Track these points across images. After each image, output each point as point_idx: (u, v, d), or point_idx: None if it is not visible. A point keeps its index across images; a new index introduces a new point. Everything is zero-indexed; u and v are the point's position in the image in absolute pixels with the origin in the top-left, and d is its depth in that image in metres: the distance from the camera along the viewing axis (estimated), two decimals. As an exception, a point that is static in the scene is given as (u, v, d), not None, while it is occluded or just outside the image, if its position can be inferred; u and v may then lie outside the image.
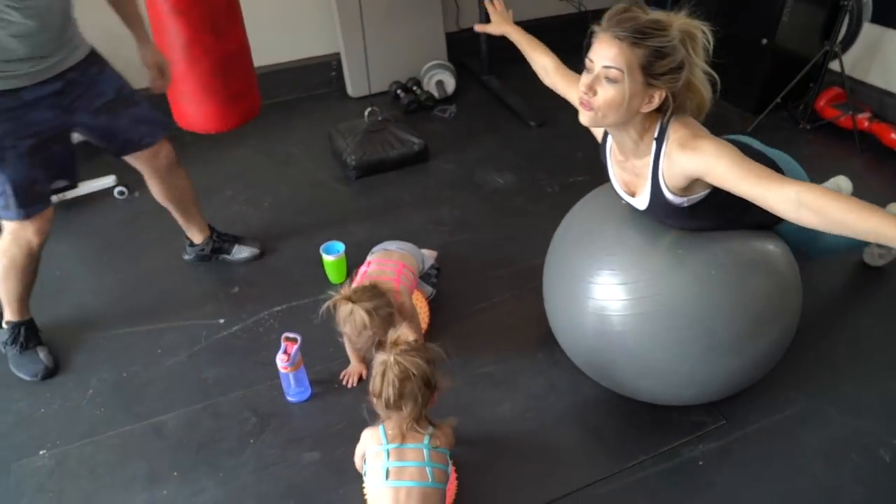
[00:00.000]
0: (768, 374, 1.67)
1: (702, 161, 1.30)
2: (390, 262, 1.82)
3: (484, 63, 3.38)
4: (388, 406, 1.32)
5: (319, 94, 3.35)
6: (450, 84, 3.26)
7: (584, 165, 2.75)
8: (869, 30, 2.86)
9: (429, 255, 2.11)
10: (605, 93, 1.30)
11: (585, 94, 1.32)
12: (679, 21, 1.29)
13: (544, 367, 1.86)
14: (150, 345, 1.96)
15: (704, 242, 1.52)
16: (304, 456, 1.64)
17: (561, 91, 1.72)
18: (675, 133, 1.35)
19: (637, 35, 1.25)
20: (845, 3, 2.71)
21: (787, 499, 1.53)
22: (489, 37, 3.24)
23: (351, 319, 1.53)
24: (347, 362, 1.86)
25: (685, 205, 1.42)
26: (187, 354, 1.93)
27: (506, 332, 1.98)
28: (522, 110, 3.14)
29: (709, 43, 1.32)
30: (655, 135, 1.38)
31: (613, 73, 1.27)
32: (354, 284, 1.67)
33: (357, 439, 1.43)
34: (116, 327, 2.02)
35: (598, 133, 1.62)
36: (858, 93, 2.92)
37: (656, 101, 1.33)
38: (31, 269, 1.83)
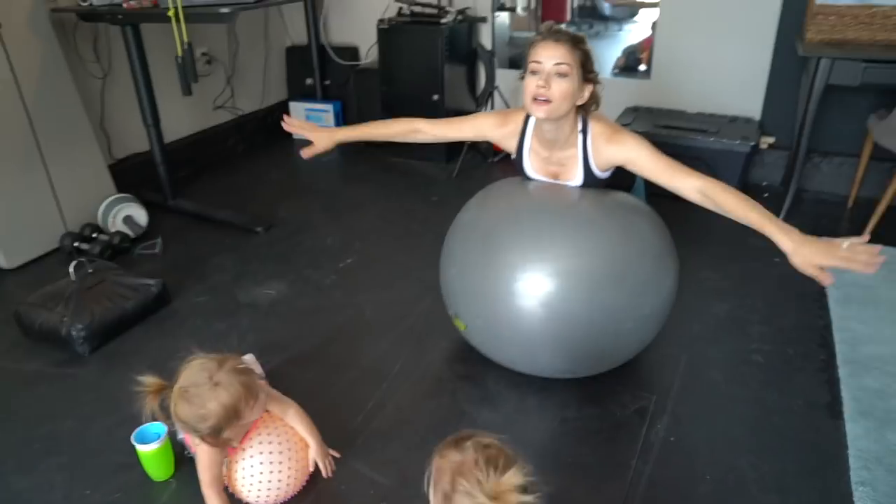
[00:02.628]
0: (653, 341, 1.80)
1: (626, 153, 1.62)
2: None
3: (166, 188, 2.92)
4: None
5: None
6: (141, 216, 2.72)
7: (343, 249, 2.59)
8: (504, 74, 3.42)
9: (252, 361, 1.73)
10: (560, 85, 1.54)
11: (543, 87, 1.53)
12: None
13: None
14: None
15: (607, 201, 1.70)
16: None
17: (452, 136, 1.85)
18: (596, 126, 1.65)
19: (574, 40, 1.55)
20: (480, 52, 3.27)
21: (736, 422, 1.67)
22: (164, 159, 2.86)
23: (192, 392, 1.28)
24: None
25: (607, 177, 1.72)
26: None
27: (407, 426, 1.68)
28: (239, 220, 2.81)
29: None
30: (580, 128, 1.65)
31: (564, 68, 1.53)
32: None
33: None
34: None
35: (511, 145, 1.77)
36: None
37: (587, 95, 1.60)
38: None
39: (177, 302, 2.26)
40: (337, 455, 1.53)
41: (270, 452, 1.39)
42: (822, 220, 2.75)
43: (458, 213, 1.85)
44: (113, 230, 2.64)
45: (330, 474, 1.49)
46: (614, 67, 3.85)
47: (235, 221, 2.80)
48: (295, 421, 1.46)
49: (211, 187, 3.22)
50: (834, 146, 2.95)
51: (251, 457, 1.39)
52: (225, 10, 2.30)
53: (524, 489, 0.96)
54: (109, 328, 2.05)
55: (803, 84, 2.77)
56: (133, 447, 1.50)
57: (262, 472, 1.38)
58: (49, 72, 2.54)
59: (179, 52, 2.37)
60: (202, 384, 1.28)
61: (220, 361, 1.33)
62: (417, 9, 3.28)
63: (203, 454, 1.36)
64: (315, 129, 1.92)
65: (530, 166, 1.77)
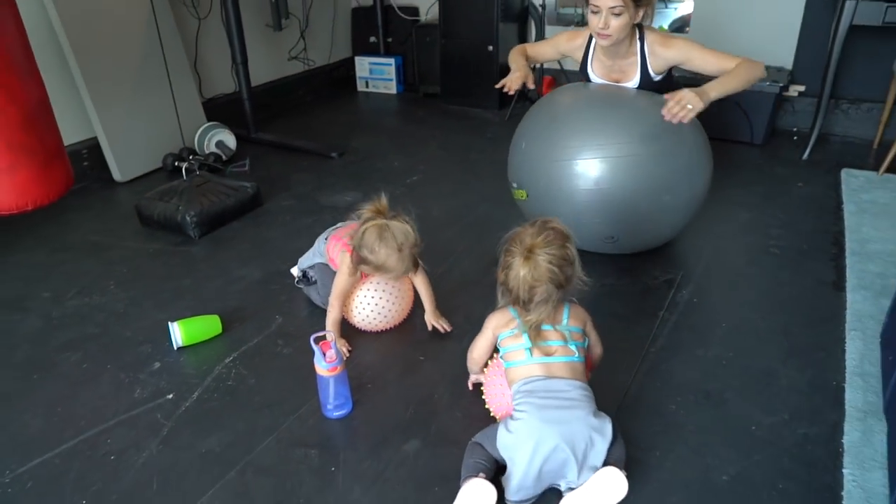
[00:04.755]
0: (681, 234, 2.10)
1: (681, 53, 2.00)
2: None
3: (250, 122, 3.30)
4: (516, 302, 1.33)
5: (78, 188, 2.81)
6: (231, 141, 3.10)
7: (409, 170, 2.93)
8: (553, 31, 3.70)
9: None
10: (616, 23, 1.91)
11: (603, 28, 1.92)
12: None
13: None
14: (92, 459, 1.43)
15: (658, 99, 1.94)
16: (403, 448, 1.42)
17: (542, 56, 2.33)
18: (650, 36, 2.03)
19: None
20: (531, 9, 3.53)
21: (751, 291, 1.95)
22: (249, 94, 3.23)
23: (382, 237, 1.58)
24: (360, 364, 1.66)
25: (660, 79, 2.08)
26: (157, 443, 1.46)
27: (471, 285, 2.01)
28: (317, 147, 3.17)
29: None
30: (637, 38, 2.02)
31: (618, 9, 1.88)
32: (333, 254, 1.80)
33: (432, 408, 1.43)
34: (25, 461, 1.42)
35: (578, 56, 2.17)
36: (564, 74, 3.71)
37: (642, 14, 1.95)
38: None
39: (268, 204, 2.63)
40: (448, 328, 1.80)
41: (384, 290, 1.74)
42: (846, 157, 2.97)
43: (533, 105, 2.16)
44: (207, 152, 3.03)
45: (446, 329, 1.79)
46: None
47: (312, 148, 3.16)
48: (419, 283, 1.79)
49: (286, 127, 3.59)
50: (862, 93, 3.17)
51: (369, 290, 1.74)
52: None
53: (555, 254, 1.29)
54: (215, 218, 2.42)
55: (832, 31, 2.98)
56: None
57: (373, 303, 1.74)
58: (157, 13, 2.93)
59: (274, -8, 2.73)
60: (391, 245, 1.58)
61: (414, 243, 1.62)
62: (475, -32, 3.58)
63: (343, 272, 1.69)
64: (524, 73, 2.18)
65: (594, 72, 2.14)
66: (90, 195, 2.78)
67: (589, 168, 1.86)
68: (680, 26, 3.49)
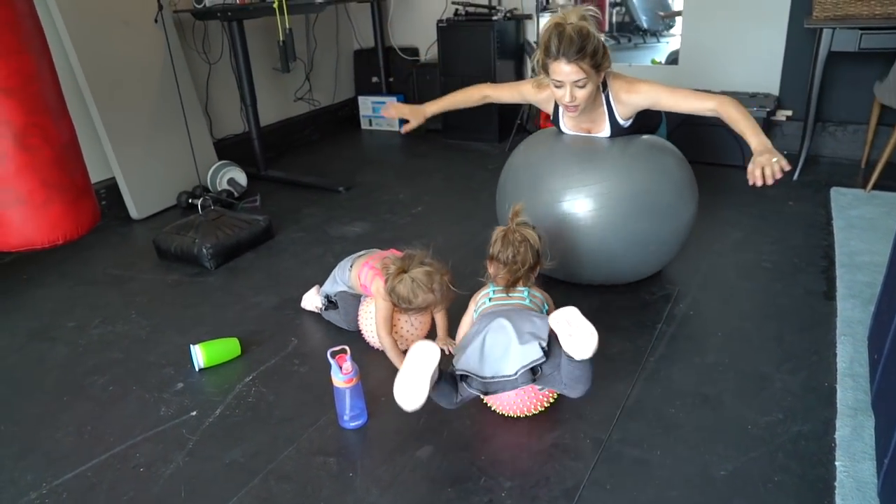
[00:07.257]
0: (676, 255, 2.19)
1: (648, 97, 1.96)
2: (386, 253, 1.89)
3: (259, 160, 3.44)
4: (503, 263, 1.57)
5: (97, 226, 2.93)
6: (242, 178, 3.23)
7: (414, 201, 3.04)
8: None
9: None
10: (582, 93, 1.87)
11: (571, 101, 1.88)
12: (580, 12, 1.81)
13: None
14: (123, 471, 1.50)
15: (635, 144, 2.03)
16: (417, 454, 1.49)
17: (505, 98, 2.28)
18: (614, 84, 1.98)
19: (581, 52, 1.78)
20: (526, 46, 3.70)
21: (745, 303, 2.03)
22: (258, 134, 3.38)
23: (414, 286, 1.67)
24: (374, 379, 1.75)
25: (630, 123, 2.04)
26: (184, 456, 1.54)
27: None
28: (324, 183, 3.30)
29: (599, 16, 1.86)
30: (601, 89, 1.97)
31: (582, 82, 1.84)
32: (365, 280, 1.87)
33: (443, 417, 1.56)
34: (57, 475, 1.50)
35: (548, 108, 2.14)
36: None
37: (603, 73, 1.90)
38: None
39: (279, 236, 2.74)
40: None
41: (407, 320, 1.85)
42: (835, 176, 3.08)
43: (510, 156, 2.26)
44: (220, 189, 3.15)
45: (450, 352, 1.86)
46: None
47: (320, 184, 3.29)
48: (438, 315, 1.88)
49: (294, 164, 3.74)
50: (848, 116, 3.30)
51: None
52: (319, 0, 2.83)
53: (531, 226, 1.61)
54: (229, 250, 2.53)
55: (813, 58, 3.13)
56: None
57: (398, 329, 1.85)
58: (173, 59, 3.10)
59: (281, 37, 2.90)
60: (423, 285, 1.67)
61: (441, 273, 1.71)
62: (471, 9, 3.78)
63: (382, 309, 1.77)
64: (409, 109, 2.32)
65: (565, 125, 2.11)
66: (108, 232, 2.90)
67: (575, 209, 1.92)
68: (675, 59, 3.66)
